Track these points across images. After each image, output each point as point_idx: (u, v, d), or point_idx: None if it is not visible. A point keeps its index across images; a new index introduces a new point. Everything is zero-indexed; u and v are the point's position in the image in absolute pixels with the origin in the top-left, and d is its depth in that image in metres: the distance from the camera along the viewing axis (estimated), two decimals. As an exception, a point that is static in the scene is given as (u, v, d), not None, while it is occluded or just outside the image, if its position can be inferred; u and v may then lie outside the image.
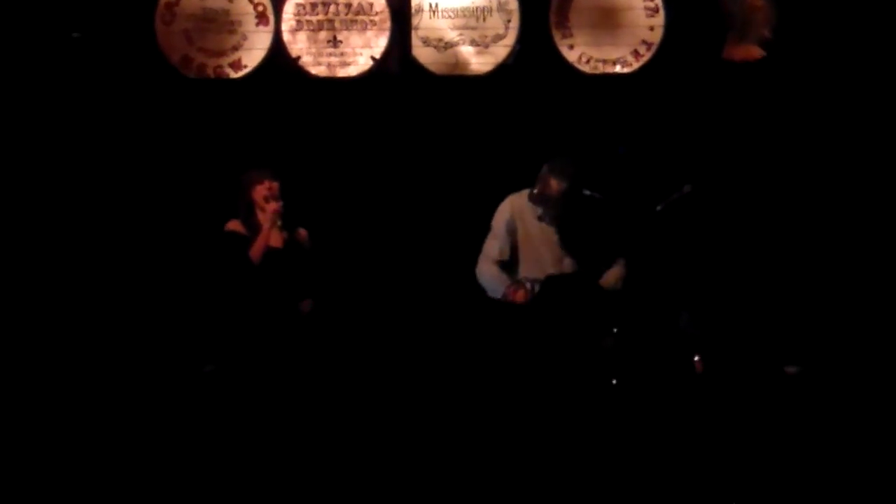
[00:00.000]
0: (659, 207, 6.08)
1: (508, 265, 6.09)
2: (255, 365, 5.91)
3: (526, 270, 6.06)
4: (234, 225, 6.11)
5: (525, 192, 6.08)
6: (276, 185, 6.11)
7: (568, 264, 6.03)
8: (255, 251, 6.02)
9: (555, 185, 5.94)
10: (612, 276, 6.08)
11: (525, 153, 6.49)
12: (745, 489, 4.93)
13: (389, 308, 6.75)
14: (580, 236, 6.03)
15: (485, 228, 6.24)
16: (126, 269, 6.84)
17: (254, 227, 6.07)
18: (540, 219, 6.04)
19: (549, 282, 5.95)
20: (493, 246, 6.10)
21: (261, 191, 6.09)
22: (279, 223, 6.10)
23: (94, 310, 6.72)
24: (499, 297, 5.99)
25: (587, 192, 6.00)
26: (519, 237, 6.08)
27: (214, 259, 6.17)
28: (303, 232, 6.26)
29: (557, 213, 5.97)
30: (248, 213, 6.11)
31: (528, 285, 5.96)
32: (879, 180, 6.66)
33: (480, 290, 6.15)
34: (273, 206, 6.06)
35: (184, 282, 6.74)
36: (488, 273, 6.06)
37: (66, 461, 5.31)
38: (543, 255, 6.04)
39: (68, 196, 6.87)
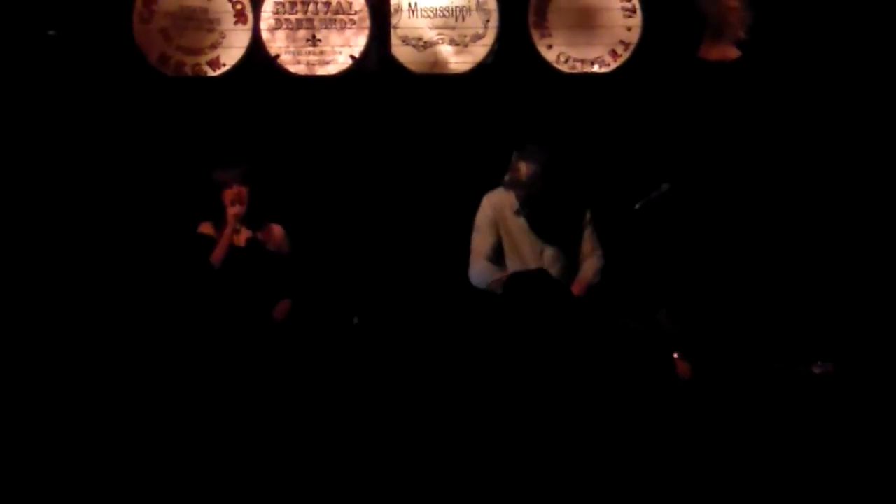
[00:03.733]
0: (637, 206, 6.14)
1: (498, 262, 6.12)
2: (220, 369, 5.83)
3: (510, 265, 6.11)
4: (205, 228, 6.10)
5: (500, 190, 6.17)
6: (244, 190, 6.08)
7: (549, 257, 6.10)
8: (216, 256, 6.00)
9: (524, 168, 6.04)
10: (589, 268, 6.14)
11: (504, 152, 6.50)
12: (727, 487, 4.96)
13: (369, 308, 6.74)
14: (557, 226, 6.09)
15: (464, 227, 6.27)
16: (100, 269, 6.79)
17: (222, 223, 6.07)
18: (517, 213, 6.10)
19: (513, 280, 5.99)
20: (482, 242, 6.14)
21: (228, 195, 6.07)
22: (239, 227, 6.07)
23: (62, 309, 6.65)
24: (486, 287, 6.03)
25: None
26: (502, 232, 6.14)
27: (182, 261, 6.14)
28: (276, 229, 6.24)
29: (527, 196, 6.02)
30: (218, 214, 6.10)
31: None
32: (855, 178, 6.74)
33: (461, 289, 6.18)
34: (235, 209, 6.04)
35: (157, 282, 6.69)
36: (480, 268, 6.09)
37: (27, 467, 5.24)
38: (524, 249, 6.11)
39: (42, 195, 6.81)
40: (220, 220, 6.09)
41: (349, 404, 5.84)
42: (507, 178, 6.11)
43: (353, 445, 5.40)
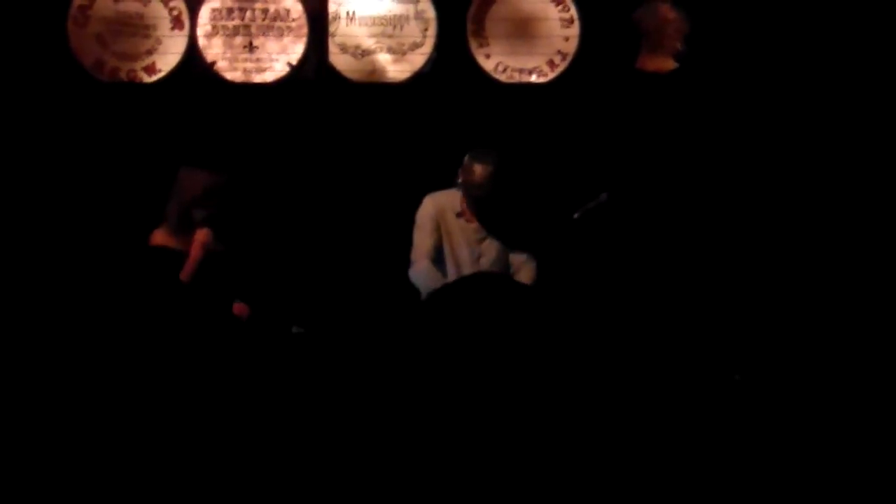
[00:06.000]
0: (576, 215, 6.14)
1: (438, 264, 6.11)
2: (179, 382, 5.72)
3: (447, 269, 6.10)
4: (161, 238, 5.75)
5: (443, 192, 6.14)
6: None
7: (485, 263, 6.09)
8: (186, 274, 5.69)
9: (479, 170, 5.99)
10: (524, 279, 6.15)
11: (441, 161, 6.49)
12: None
13: (308, 317, 6.70)
14: (502, 231, 6.10)
15: (400, 235, 6.25)
16: (33, 280, 6.70)
17: (184, 234, 5.73)
18: (458, 215, 6.09)
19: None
20: (424, 241, 6.09)
21: (208, 206, 5.73)
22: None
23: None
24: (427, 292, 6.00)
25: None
26: (442, 233, 6.13)
27: (141, 276, 5.79)
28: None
29: (477, 198, 6.01)
30: (182, 218, 5.72)
31: None
32: (794, 186, 6.81)
33: (400, 297, 6.16)
34: (206, 237, 5.72)
35: (94, 295, 6.59)
36: (424, 270, 6.05)
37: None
38: (461, 254, 6.10)
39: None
40: (180, 223, 5.70)
41: (292, 415, 5.81)
42: (460, 179, 6.08)
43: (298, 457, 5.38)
